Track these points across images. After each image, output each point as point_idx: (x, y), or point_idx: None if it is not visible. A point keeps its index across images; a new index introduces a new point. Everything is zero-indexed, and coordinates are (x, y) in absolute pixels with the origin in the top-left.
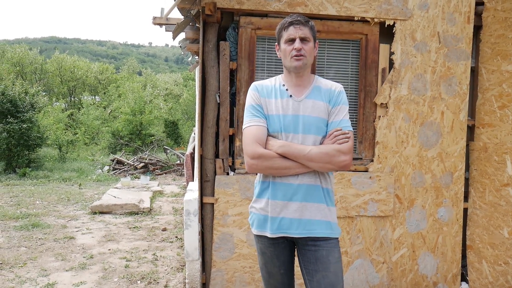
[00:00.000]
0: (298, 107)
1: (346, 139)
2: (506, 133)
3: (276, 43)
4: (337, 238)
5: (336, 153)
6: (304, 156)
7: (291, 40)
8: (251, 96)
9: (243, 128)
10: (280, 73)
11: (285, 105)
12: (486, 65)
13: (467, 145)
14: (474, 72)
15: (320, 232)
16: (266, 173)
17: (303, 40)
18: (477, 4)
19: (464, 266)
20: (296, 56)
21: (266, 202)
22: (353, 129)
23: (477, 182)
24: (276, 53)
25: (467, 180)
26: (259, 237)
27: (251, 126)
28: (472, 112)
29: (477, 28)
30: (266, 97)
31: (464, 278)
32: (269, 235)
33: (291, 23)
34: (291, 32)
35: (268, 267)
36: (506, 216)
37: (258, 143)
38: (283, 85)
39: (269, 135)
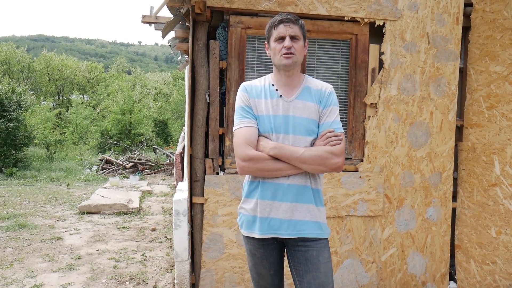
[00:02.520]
0: (288, 108)
1: (339, 141)
2: (494, 134)
3: (265, 42)
4: (327, 238)
5: (328, 155)
6: (296, 158)
7: (281, 38)
8: (240, 97)
9: (233, 130)
10: (270, 73)
11: (275, 105)
12: (475, 65)
13: (456, 145)
14: (463, 72)
15: (310, 232)
16: (257, 175)
17: (293, 38)
18: (466, 5)
19: (452, 265)
20: (285, 54)
21: (256, 203)
22: (343, 129)
23: (466, 182)
24: (266, 52)
25: (455, 180)
26: (248, 238)
27: (241, 128)
28: (460, 113)
29: (466, 29)
30: (256, 97)
31: (452, 278)
32: (258, 236)
33: (281, 21)
34: (281, 30)
35: (258, 268)
36: (494, 216)
37: (248, 145)
38: (273, 84)
39: (260, 135)
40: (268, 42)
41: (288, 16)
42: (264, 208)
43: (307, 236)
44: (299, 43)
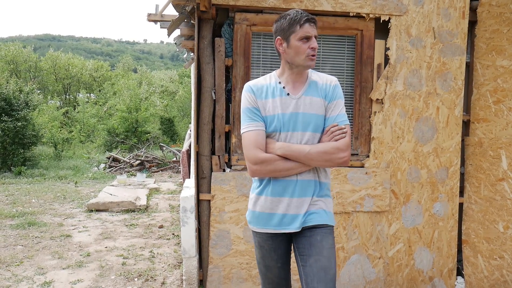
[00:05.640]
0: (296, 105)
1: (343, 135)
2: (501, 128)
3: (278, 37)
4: (332, 226)
5: (334, 150)
6: (304, 156)
7: (307, 38)
8: (247, 98)
9: (241, 132)
10: (275, 69)
11: (283, 103)
12: (481, 60)
13: (462, 140)
14: (469, 67)
15: (316, 220)
16: (270, 176)
17: (315, 38)
18: None
19: (459, 260)
20: (312, 55)
21: (265, 199)
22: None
23: (473, 177)
24: (273, 49)
25: (462, 175)
26: (256, 232)
27: (250, 131)
28: (467, 107)
29: (472, 24)
30: (263, 98)
31: (459, 273)
32: (270, 231)
33: (307, 20)
34: (308, 29)
35: (266, 260)
36: (501, 210)
37: (258, 148)
38: (279, 82)
39: (268, 135)
40: (286, 39)
41: (311, 16)
42: (276, 205)
43: (312, 224)
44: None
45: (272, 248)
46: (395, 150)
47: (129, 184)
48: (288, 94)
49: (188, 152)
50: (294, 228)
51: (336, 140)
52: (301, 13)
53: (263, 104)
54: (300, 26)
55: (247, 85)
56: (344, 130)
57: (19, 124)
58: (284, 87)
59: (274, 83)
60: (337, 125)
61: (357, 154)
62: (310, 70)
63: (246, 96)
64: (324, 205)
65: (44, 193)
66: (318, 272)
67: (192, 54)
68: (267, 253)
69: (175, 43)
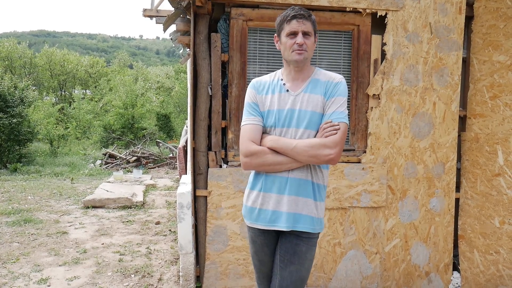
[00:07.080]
0: (294, 101)
1: (334, 131)
2: (497, 124)
3: (275, 35)
4: (319, 233)
5: (320, 146)
6: (291, 150)
7: (293, 34)
8: (248, 94)
9: (241, 126)
10: (273, 65)
11: (281, 99)
12: (478, 55)
13: (459, 136)
14: (466, 62)
15: (303, 227)
16: (260, 170)
17: (305, 34)
18: None
19: (456, 255)
20: (297, 50)
21: (257, 195)
22: None
23: (469, 172)
24: (268, 44)
25: (458, 170)
26: (249, 226)
27: (246, 124)
28: (463, 103)
29: (469, 19)
30: (263, 93)
31: (456, 268)
32: (259, 227)
33: (294, 16)
34: (294, 25)
35: (259, 255)
36: (497, 206)
37: (251, 141)
38: (281, 79)
39: (265, 130)
40: (279, 36)
41: (302, 12)
42: (267, 201)
43: (300, 230)
44: (311, 39)
45: (264, 243)
46: (391, 146)
47: (126, 181)
48: (287, 90)
49: (185, 148)
50: (283, 227)
51: (326, 137)
52: (292, 9)
53: (263, 100)
54: (287, 23)
55: (251, 81)
56: (337, 127)
57: (14, 120)
58: (284, 84)
59: (277, 80)
60: (330, 122)
61: (354, 150)
62: (316, 69)
63: (248, 91)
64: (315, 210)
65: (40, 190)
66: (296, 281)
67: (188, 49)
68: (260, 248)
69: (171, 39)
